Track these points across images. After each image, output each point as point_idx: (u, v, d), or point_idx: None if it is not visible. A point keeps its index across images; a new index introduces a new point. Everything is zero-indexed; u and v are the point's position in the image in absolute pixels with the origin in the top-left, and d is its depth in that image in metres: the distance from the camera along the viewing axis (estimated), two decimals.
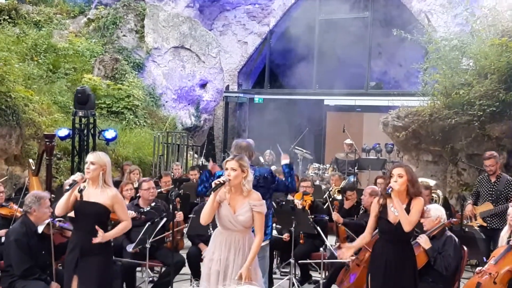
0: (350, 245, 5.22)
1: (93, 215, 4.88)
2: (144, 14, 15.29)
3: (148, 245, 6.23)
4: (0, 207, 6.47)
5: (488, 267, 5.54)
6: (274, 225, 6.33)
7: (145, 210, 6.71)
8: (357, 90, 15.54)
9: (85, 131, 9.86)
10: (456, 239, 5.54)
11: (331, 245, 6.56)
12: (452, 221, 6.07)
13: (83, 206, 4.88)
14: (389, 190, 4.73)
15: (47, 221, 5.53)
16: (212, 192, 4.54)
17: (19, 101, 9.83)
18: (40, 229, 5.50)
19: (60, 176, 10.22)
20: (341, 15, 14.99)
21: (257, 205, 4.57)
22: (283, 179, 5.87)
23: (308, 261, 7.20)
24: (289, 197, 8.32)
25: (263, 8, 16.40)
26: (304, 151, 13.17)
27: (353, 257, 6.17)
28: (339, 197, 9.28)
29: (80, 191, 4.88)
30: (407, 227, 4.69)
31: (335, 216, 7.27)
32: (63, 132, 9.51)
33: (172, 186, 8.75)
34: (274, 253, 7.67)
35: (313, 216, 7.03)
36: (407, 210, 4.75)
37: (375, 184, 8.38)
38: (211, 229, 6.19)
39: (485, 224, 7.48)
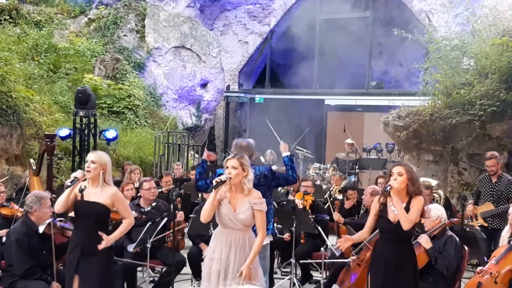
0: (349, 237, 5.22)
1: (93, 215, 4.88)
2: (144, 14, 15.29)
3: (149, 245, 6.23)
4: (1, 207, 6.48)
5: (489, 267, 5.54)
6: (275, 224, 6.32)
7: (146, 210, 6.71)
8: (357, 90, 15.53)
9: (86, 131, 9.87)
10: (457, 239, 5.54)
11: (332, 245, 6.56)
12: (453, 221, 6.08)
13: (83, 205, 4.88)
14: (388, 188, 4.74)
15: (48, 221, 5.53)
16: (213, 190, 4.55)
17: (20, 101, 9.84)
18: (41, 229, 5.51)
19: (61, 176, 10.23)
20: (342, 14, 14.98)
21: (258, 203, 4.58)
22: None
23: (309, 261, 7.21)
24: (290, 197, 8.33)
25: (263, 8, 16.40)
26: (305, 150, 13.17)
27: (354, 257, 6.18)
28: (340, 197, 9.28)
29: (81, 190, 4.88)
30: (406, 226, 4.68)
31: (336, 216, 7.27)
32: (64, 132, 9.51)
33: (173, 186, 8.75)
34: (275, 252, 7.67)
35: (314, 216, 7.03)
36: (407, 209, 4.75)
37: (376, 183, 8.38)
38: (212, 229, 6.19)
39: (486, 224, 7.48)
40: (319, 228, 6.65)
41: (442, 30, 12.37)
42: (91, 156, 4.97)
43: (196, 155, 13.78)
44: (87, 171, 4.88)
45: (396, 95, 12.35)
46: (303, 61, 15.41)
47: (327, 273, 6.83)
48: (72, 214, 5.08)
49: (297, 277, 7.21)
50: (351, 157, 12.11)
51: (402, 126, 9.83)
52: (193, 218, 6.74)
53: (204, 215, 4.63)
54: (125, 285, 6.43)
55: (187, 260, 6.79)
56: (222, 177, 4.57)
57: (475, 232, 6.73)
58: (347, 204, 8.24)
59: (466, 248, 5.66)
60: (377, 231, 5.17)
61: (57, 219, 5.65)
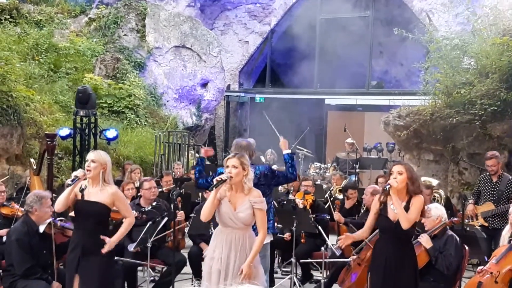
0: (350, 235, 5.23)
1: (93, 214, 4.88)
2: (145, 14, 15.29)
3: (149, 245, 6.23)
4: (1, 207, 6.48)
5: (490, 266, 5.54)
6: (275, 224, 6.33)
7: (146, 210, 6.71)
8: (358, 89, 15.53)
9: (86, 131, 9.87)
10: (458, 239, 5.54)
11: (332, 245, 6.56)
12: (453, 221, 6.07)
13: (84, 205, 4.88)
14: (387, 187, 4.74)
15: (48, 221, 5.53)
16: (213, 189, 4.55)
17: (20, 101, 9.84)
18: (42, 228, 5.51)
19: (61, 175, 10.23)
20: (343, 14, 14.98)
21: (258, 202, 4.59)
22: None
23: (310, 260, 7.21)
24: (290, 196, 8.33)
25: (264, 7, 16.40)
26: (305, 150, 13.18)
27: (355, 256, 6.18)
28: (340, 196, 9.28)
29: (82, 190, 4.88)
30: (405, 225, 4.68)
31: (337, 215, 7.27)
32: (64, 131, 9.52)
33: (173, 185, 8.76)
34: (275, 252, 7.67)
35: (314, 216, 7.03)
36: (407, 208, 4.75)
37: (376, 183, 8.38)
38: (212, 228, 6.19)
39: (486, 224, 7.48)
40: (319, 227, 6.65)
41: (443, 29, 12.37)
42: (91, 155, 4.97)
43: (197, 155, 13.77)
44: (87, 170, 4.87)
45: (396, 94, 12.34)
46: (304, 60, 15.41)
47: (328, 273, 6.83)
48: (72, 213, 5.08)
49: (298, 277, 7.21)
50: (352, 157, 12.11)
51: (403, 126, 9.83)
52: (193, 218, 6.75)
53: (205, 214, 4.64)
54: (126, 284, 6.43)
55: (187, 260, 6.79)
56: (223, 176, 4.57)
57: (476, 231, 6.73)
58: (348, 204, 8.24)
59: (466, 247, 5.66)
60: (377, 230, 5.17)
61: (58, 218, 5.65)
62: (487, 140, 9.06)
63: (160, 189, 8.14)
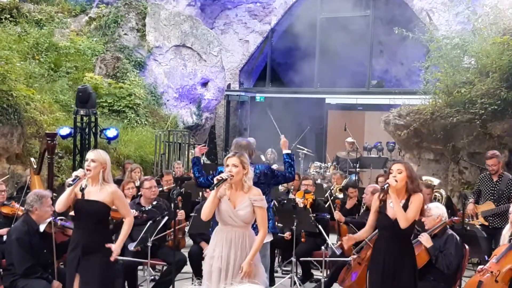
0: (352, 236, 5.24)
1: (93, 214, 4.88)
2: (145, 13, 15.29)
3: (149, 244, 6.23)
4: (2, 206, 6.48)
5: (490, 266, 5.54)
6: (276, 223, 6.33)
7: (147, 209, 6.71)
8: (358, 89, 15.51)
9: (87, 130, 9.88)
10: (458, 238, 5.54)
11: (333, 244, 6.56)
12: (453, 220, 6.07)
13: (84, 204, 4.88)
14: (386, 186, 4.74)
15: (48, 220, 5.53)
16: (214, 188, 4.56)
17: (20, 100, 9.85)
18: (42, 227, 5.51)
19: (61, 174, 10.24)
20: (343, 13, 14.97)
21: (258, 200, 4.61)
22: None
23: (310, 258, 7.21)
24: (291, 195, 8.33)
25: (264, 6, 16.38)
26: (306, 149, 13.18)
27: (355, 256, 6.18)
28: (341, 195, 9.28)
29: (82, 189, 4.88)
30: (403, 224, 4.68)
31: (337, 215, 7.27)
32: (65, 130, 9.53)
33: (174, 184, 8.76)
34: (276, 251, 7.67)
35: (314, 215, 7.04)
36: (406, 206, 4.75)
37: (377, 182, 8.38)
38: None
39: (486, 223, 7.48)
40: (319, 227, 6.65)
41: (443, 28, 12.37)
42: (90, 154, 4.96)
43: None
44: (87, 170, 4.87)
45: (397, 93, 12.33)
46: (304, 59, 15.40)
47: (328, 272, 6.84)
48: (72, 213, 5.08)
49: (298, 276, 7.21)
50: (352, 156, 12.11)
51: (403, 125, 9.82)
52: (193, 217, 6.75)
53: (205, 213, 4.65)
54: (126, 284, 6.43)
55: (187, 259, 6.80)
56: (223, 175, 4.58)
57: (476, 230, 6.73)
58: (349, 204, 8.24)
59: (466, 247, 5.66)
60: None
61: (58, 217, 5.65)
62: (488, 139, 9.05)
63: (161, 189, 8.14)
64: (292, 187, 8.89)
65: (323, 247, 6.74)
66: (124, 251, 6.34)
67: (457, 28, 11.66)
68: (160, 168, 11.91)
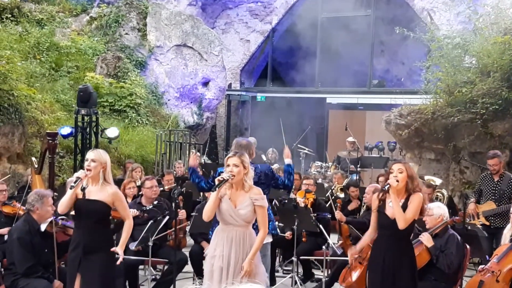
0: (356, 250, 5.28)
1: (94, 213, 4.88)
2: (146, 12, 15.30)
3: (150, 243, 6.24)
4: (3, 206, 6.49)
5: (491, 265, 5.54)
6: (276, 223, 6.33)
7: (148, 208, 6.72)
8: (359, 88, 15.50)
9: (88, 130, 9.88)
10: (459, 237, 5.53)
11: (334, 243, 6.56)
12: (454, 219, 6.06)
13: (84, 204, 4.88)
14: (386, 187, 4.74)
15: (49, 219, 5.54)
16: (216, 189, 4.56)
17: (21, 99, 9.85)
18: (43, 227, 5.51)
19: (62, 174, 10.24)
20: (344, 13, 14.96)
21: (259, 199, 4.62)
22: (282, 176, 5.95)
23: (311, 257, 7.21)
24: (292, 195, 8.32)
25: (265, 6, 16.38)
26: (307, 149, 13.17)
27: (356, 255, 6.17)
28: (342, 195, 9.28)
29: (83, 189, 4.88)
30: (401, 225, 4.67)
31: (338, 214, 7.26)
32: (66, 130, 9.53)
33: (175, 184, 8.76)
34: (277, 251, 7.68)
35: (315, 214, 7.04)
36: (405, 205, 4.74)
37: (378, 182, 8.38)
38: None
39: (487, 223, 7.47)
40: (320, 226, 6.65)
41: (444, 28, 12.36)
42: (91, 154, 4.95)
43: (198, 154, 13.78)
44: (88, 169, 4.87)
45: (398, 93, 12.32)
46: (305, 59, 15.40)
47: (329, 271, 6.84)
48: (73, 212, 5.09)
49: (299, 275, 7.21)
50: (353, 156, 12.11)
51: (404, 125, 9.82)
52: (194, 217, 6.75)
53: (206, 214, 4.65)
54: (127, 283, 6.44)
55: (188, 259, 6.80)
56: (224, 176, 4.58)
57: (477, 230, 6.72)
58: (351, 206, 8.21)
59: (467, 246, 5.65)
60: None
61: (59, 217, 5.65)
62: (489, 139, 9.04)
63: (162, 188, 8.14)
64: (293, 187, 8.89)
65: (324, 247, 6.74)
66: (125, 250, 6.35)
67: (458, 27, 11.66)
68: (161, 167, 11.92)
